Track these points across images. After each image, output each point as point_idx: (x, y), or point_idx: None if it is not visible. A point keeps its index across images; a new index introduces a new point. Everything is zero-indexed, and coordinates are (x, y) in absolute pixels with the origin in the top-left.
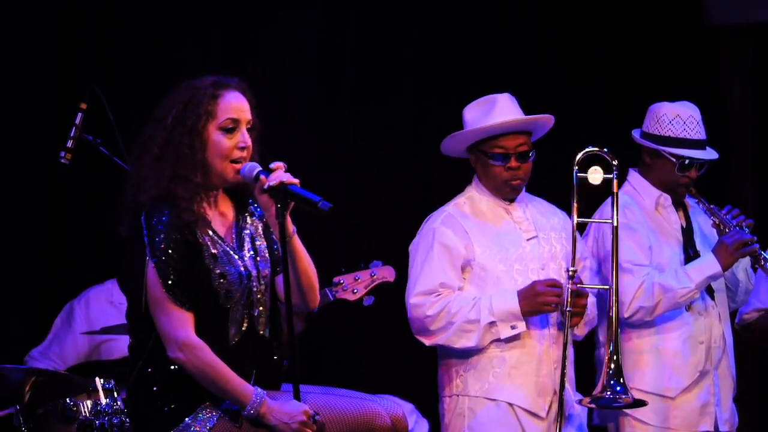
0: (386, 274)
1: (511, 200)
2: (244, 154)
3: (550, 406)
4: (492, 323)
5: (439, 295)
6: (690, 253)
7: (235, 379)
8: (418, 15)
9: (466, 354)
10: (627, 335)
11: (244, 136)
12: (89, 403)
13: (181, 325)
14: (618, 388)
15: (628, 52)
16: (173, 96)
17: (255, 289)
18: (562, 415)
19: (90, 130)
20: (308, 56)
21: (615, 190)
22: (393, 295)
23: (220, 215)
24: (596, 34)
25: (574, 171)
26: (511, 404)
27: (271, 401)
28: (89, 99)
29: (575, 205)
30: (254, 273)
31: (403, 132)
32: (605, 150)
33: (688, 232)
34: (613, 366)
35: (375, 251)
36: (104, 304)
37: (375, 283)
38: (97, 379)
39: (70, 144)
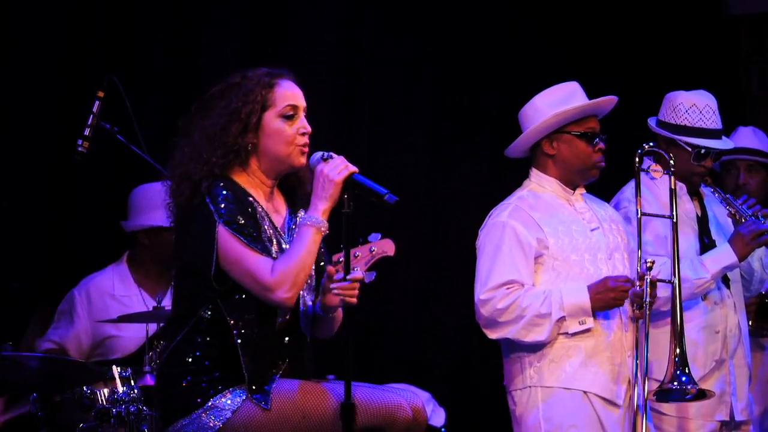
0: (386, 248)
1: (574, 189)
2: (307, 140)
3: (625, 395)
4: (561, 318)
5: (509, 288)
6: (705, 242)
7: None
8: (432, 10)
9: (539, 345)
10: (659, 327)
11: (303, 122)
12: (106, 391)
13: (269, 268)
14: (684, 378)
15: (646, 41)
16: (225, 86)
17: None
18: (645, 405)
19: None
20: (326, 52)
21: (672, 186)
22: (409, 286)
23: (274, 209)
24: (614, 22)
25: (636, 166)
26: (586, 393)
27: None
28: (107, 87)
29: (638, 198)
30: None
31: (420, 127)
32: (661, 149)
33: (703, 221)
34: (678, 353)
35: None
36: (106, 298)
37: (375, 259)
38: (114, 367)
39: (87, 132)
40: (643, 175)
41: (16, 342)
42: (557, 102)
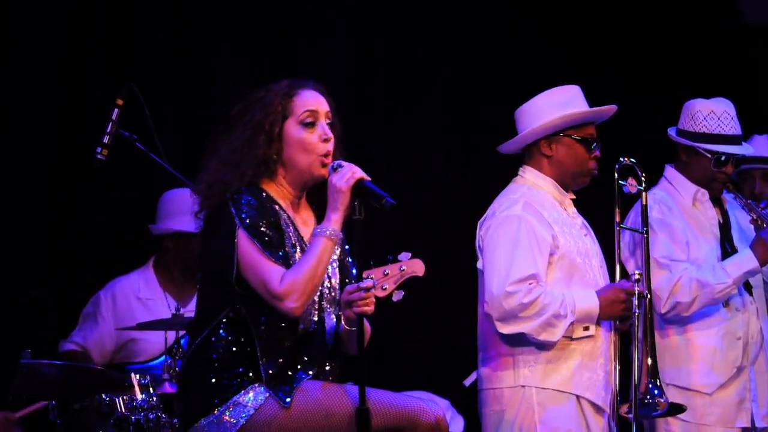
0: (416, 268)
1: (566, 192)
2: (329, 147)
3: (611, 403)
4: (572, 322)
5: (531, 284)
6: (727, 248)
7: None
8: (431, 10)
9: (539, 345)
10: (664, 331)
11: (324, 128)
12: (125, 398)
13: (280, 277)
14: (656, 392)
15: (663, 50)
16: (248, 101)
17: (326, 297)
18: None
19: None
20: (327, 52)
21: (644, 203)
22: (426, 292)
23: (302, 221)
24: (631, 32)
25: (615, 179)
26: (578, 397)
27: None
28: (126, 95)
29: (617, 210)
30: (326, 280)
31: (430, 128)
32: (637, 163)
33: (725, 227)
34: (650, 364)
35: (407, 249)
36: (132, 300)
37: (404, 278)
38: (132, 374)
39: (106, 140)
40: (662, 180)
41: (34, 349)
42: (560, 104)
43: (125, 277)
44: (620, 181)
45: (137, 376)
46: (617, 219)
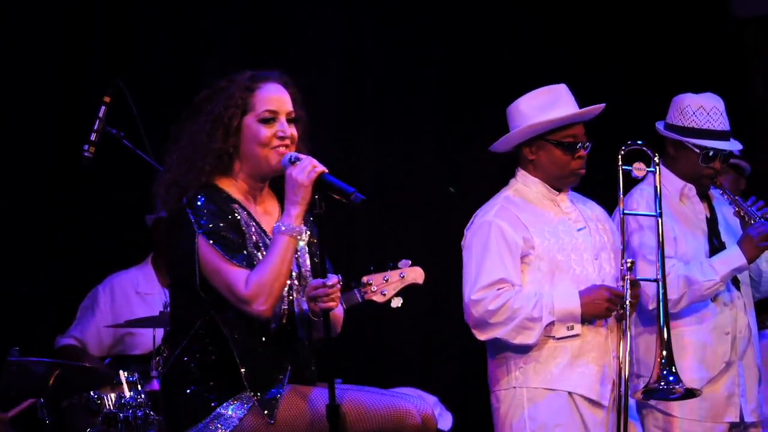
0: (415, 276)
1: (559, 190)
2: (286, 143)
3: (610, 395)
4: (551, 323)
5: (500, 289)
6: (715, 244)
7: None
8: (432, 10)
9: (526, 347)
10: (653, 327)
11: (282, 126)
12: (113, 396)
13: (245, 280)
14: (671, 378)
15: (650, 42)
16: (212, 90)
17: (294, 287)
18: (626, 405)
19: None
20: (328, 51)
21: (656, 184)
22: (417, 289)
23: (264, 212)
24: (615, 23)
25: (619, 164)
26: (570, 393)
27: None
28: (113, 92)
29: (621, 197)
30: (295, 271)
31: (428, 129)
32: (646, 145)
33: (712, 222)
34: (665, 355)
35: (400, 248)
36: (130, 294)
37: (403, 285)
38: (121, 372)
39: (93, 137)
40: (650, 175)
41: (31, 347)
42: (540, 107)
43: (124, 272)
44: (625, 167)
45: (125, 374)
46: (621, 206)
